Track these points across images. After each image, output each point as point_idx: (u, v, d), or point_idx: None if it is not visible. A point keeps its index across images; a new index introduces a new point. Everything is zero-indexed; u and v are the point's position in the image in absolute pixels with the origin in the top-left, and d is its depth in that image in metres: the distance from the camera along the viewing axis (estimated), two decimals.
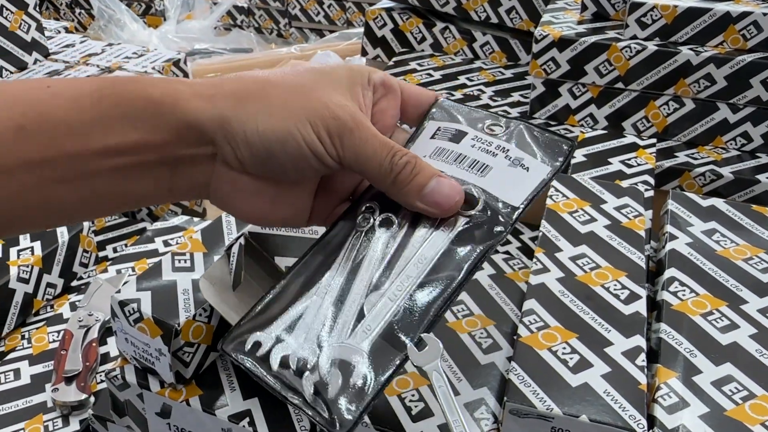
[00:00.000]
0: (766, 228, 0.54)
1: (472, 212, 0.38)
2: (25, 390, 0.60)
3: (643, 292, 0.47)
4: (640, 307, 0.45)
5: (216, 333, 0.48)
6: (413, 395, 0.45)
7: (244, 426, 0.45)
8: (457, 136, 0.42)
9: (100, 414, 0.54)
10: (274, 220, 0.42)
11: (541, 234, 0.52)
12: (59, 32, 1.11)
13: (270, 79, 0.38)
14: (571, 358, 0.42)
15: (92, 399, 0.57)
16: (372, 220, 0.40)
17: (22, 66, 0.97)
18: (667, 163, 0.72)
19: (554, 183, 0.58)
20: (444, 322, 0.51)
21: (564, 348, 0.42)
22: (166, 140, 0.36)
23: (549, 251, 0.51)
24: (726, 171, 0.70)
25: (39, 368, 0.62)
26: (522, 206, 0.39)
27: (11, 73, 0.96)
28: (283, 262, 0.47)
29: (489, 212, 0.39)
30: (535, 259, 0.50)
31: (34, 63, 0.99)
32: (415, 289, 0.37)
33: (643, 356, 0.42)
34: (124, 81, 0.36)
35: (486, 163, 0.41)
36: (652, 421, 0.38)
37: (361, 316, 0.36)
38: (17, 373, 0.61)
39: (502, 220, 0.38)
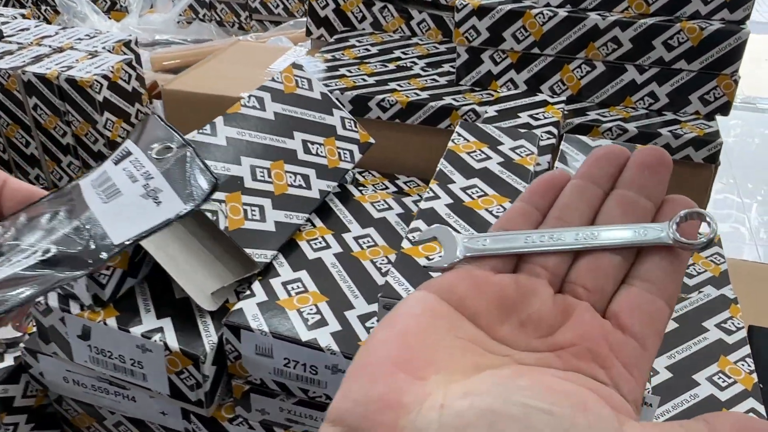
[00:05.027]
0: None
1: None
2: None
3: None
4: None
5: (131, 260, 0.52)
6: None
7: (155, 340, 0.49)
8: (123, 157, 0.38)
9: (30, 347, 0.57)
10: None
11: (438, 169, 0.57)
12: (15, 18, 1.15)
13: None
14: None
15: (26, 337, 0.61)
16: None
17: None
18: (577, 120, 0.77)
19: (457, 129, 0.63)
20: (350, 251, 0.56)
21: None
22: None
23: (442, 183, 0.55)
24: (631, 126, 0.75)
25: None
26: (119, 247, 0.34)
27: None
28: None
29: (82, 247, 0.35)
30: (428, 189, 0.54)
31: None
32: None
33: None
34: None
35: (119, 189, 0.37)
36: None
37: None
38: None
39: (88, 260, 0.34)
